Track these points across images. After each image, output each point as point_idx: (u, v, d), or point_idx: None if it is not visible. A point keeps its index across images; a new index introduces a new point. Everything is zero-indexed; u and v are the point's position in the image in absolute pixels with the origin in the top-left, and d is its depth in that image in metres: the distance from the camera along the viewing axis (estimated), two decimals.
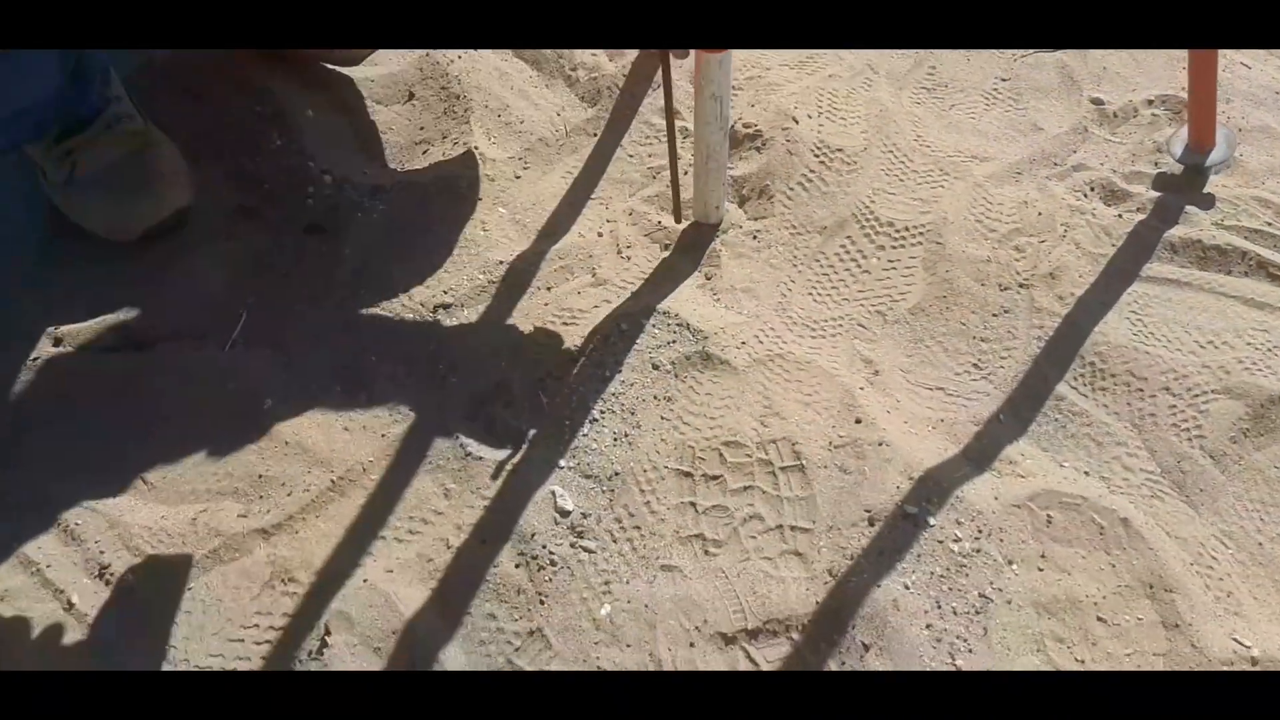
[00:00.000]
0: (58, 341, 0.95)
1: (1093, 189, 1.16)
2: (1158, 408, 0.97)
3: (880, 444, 0.91)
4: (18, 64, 0.86)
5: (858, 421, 0.93)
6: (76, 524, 0.84)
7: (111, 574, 0.81)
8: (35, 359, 0.94)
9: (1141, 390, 0.98)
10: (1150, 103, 1.27)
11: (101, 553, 0.83)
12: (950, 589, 0.83)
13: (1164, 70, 1.32)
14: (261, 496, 0.87)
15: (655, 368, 0.96)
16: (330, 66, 1.26)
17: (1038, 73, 1.31)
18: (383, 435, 0.91)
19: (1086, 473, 0.93)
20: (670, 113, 0.97)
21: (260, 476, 0.88)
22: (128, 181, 1.02)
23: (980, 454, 0.93)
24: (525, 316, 1.00)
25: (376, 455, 0.90)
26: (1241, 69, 1.32)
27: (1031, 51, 1.34)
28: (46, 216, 1.04)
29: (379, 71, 1.27)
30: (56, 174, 1.02)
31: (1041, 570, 0.85)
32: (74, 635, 0.78)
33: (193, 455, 0.89)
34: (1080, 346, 1.01)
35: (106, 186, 1.01)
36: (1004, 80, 1.30)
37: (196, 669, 0.76)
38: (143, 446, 0.90)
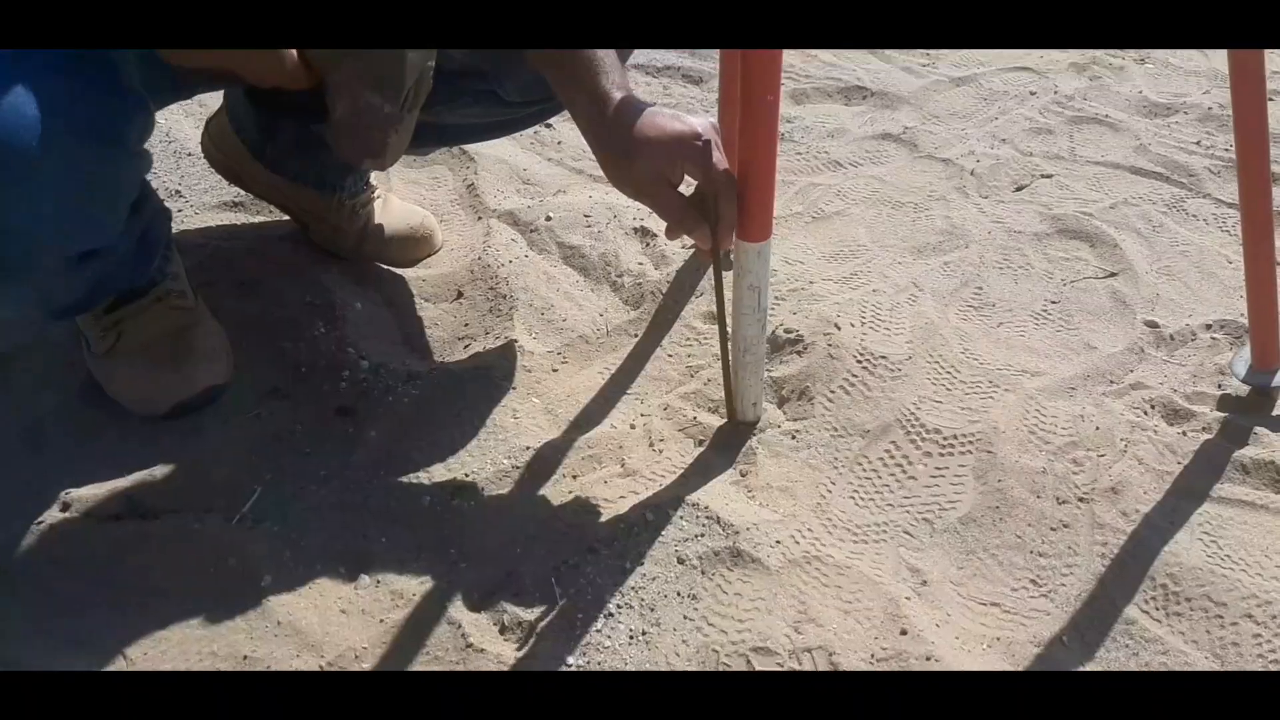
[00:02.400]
0: (65, 507, 0.92)
1: (1153, 407, 1.11)
2: (1241, 636, 0.87)
3: (929, 659, 0.82)
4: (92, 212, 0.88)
5: (903, 633, 0.84)
6: None
7: None
8: (40, 522, 0.91)
9: (1221, 617, 0.88)
10: (1208, 327, 1.23)
11: None
12: None
13: (1220, 297, 1.29)
14: None
15: (680, 562, 0.89)
16: (384, 266, 1.29)
17: (1088, 296, 1.29)
18: (381, 621, 0.84)
19: None
20: (721, 300, 0.96)
21: (245, 658, 0.81)
22: (164, 356, 1.02)
23: None
24: (546, 504, 0.95)
25: (371, 642, 0.83)
26: None
27: (1082, 277, 1.33)
28: (80, 386, 1.04)
29: (431, 272, 1.30)
30: (100, 344, 1.03)
31: None
32: None
33: (180, 631, 0.83)
34: (1150, 567, 0.93)
35: (143, 359, 1.02)
36: (1053, 303, 1.29)
37: None
38: (128, 619, 0.84)
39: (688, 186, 0.90)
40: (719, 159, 0.88)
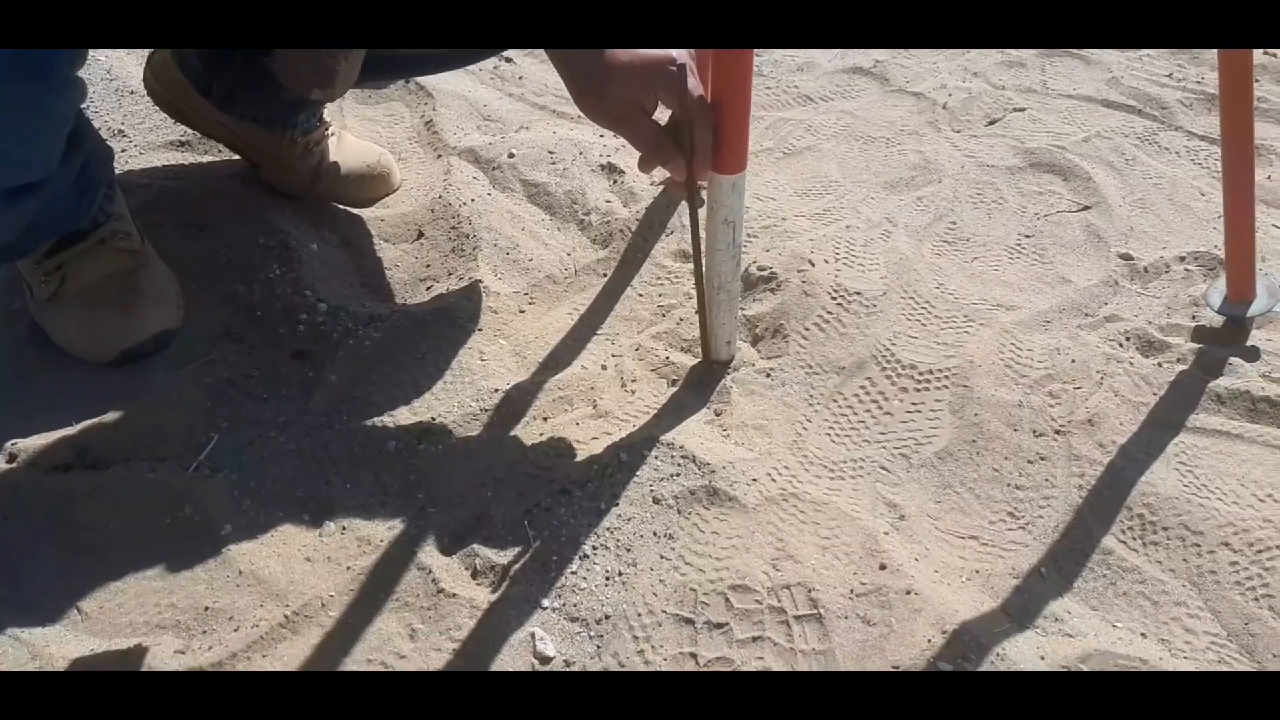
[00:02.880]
0: (12, 458, 0.88)
1: (1128, 339, 1.10)
2: (1218, 564, 0.86)
3: (909, 593, 0.81)
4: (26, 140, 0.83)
5: (882, 568, 0.83)
6: None
7: None
8: None
9: (1198, 546, 0.88)
10: (1182, 259, 1.22)
11: None
12: None
13: (1193, 229, 1.28)
14: (205, 631, 0.77)
15: (656, 502, 0.87)
16: (341, 206, 1.25)
17: (1062, 229, 1.28)
18: (348, 568, 0.82)
19: (1143, 634, 0.81)
20: (696, 235, 0.93)
21: (206, 609, 0.78)
22: (111, 300, 0.98)
23: (1021, 610, 0.82)
24: (517, 446, 0.92)
25: (338, 589, 0.80)
26: (1274, 230, 1.28)
27: (1055, 210, 1.31)
28: (24, 334, 0.99)
29: (390, 212, 1.25)
30: (42, 290, 0.98)
31: None
32: None
33: (136, 583, 0.80)
34: (1126, 497, 0.92)
35: (88, 304, 0.97)
36: (1027, 237, 1.27)
37: None
38: (82, 572, 0.81)
39: (661, 119, 0.87)
40: (694, 85, 0.85)
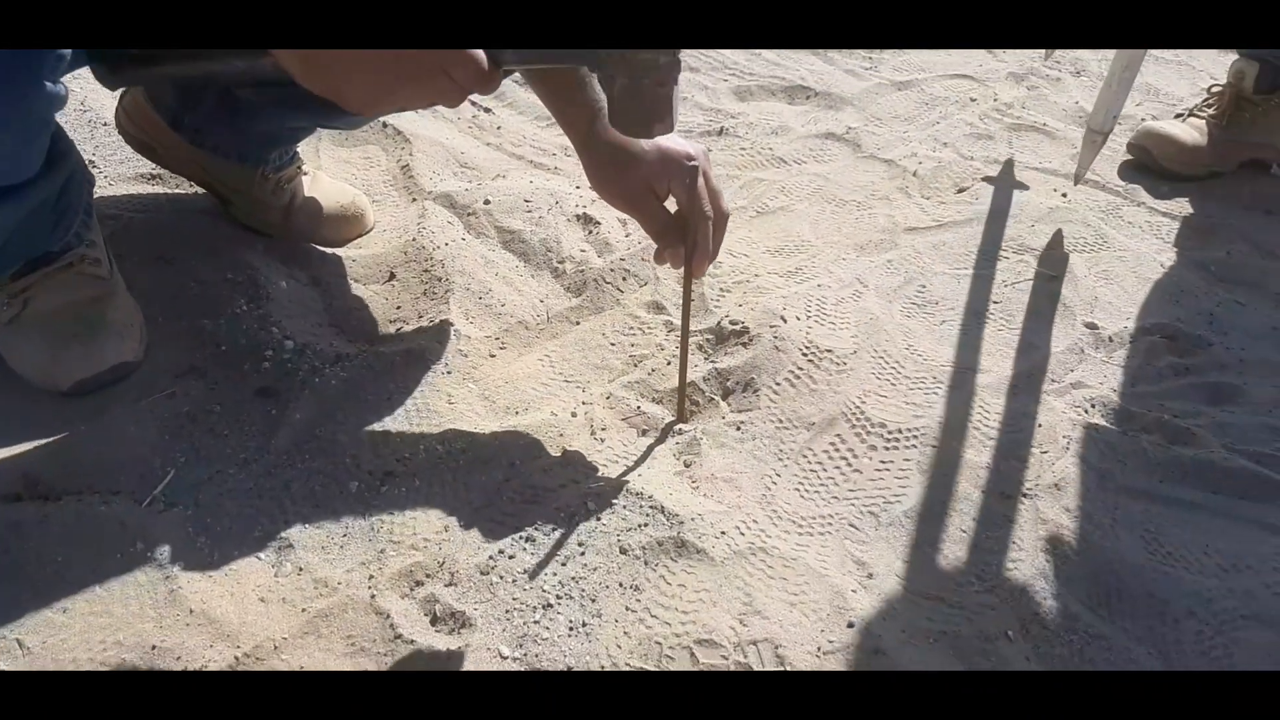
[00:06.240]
0: None
1: (1094, 406, 1.11)
2: (1183, 634, 0.86)
3: (876, 653, 0.80)
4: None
5: (850, 626, 0.82)
6: None
7: None
8: None
9: (1164, 614, 0.88)
10: (1146, 330, 1.24)
11: None
12: None
13: (1157, 302, 1.30)
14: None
15: (623, 552, 0.85)
16: (313, 245, 1.23)
17: (1030, 297, 1.30)
18: (303, 610, 0.79)
19: None
20: (686, 320, 0.95)
21: (154, 648, 0.75)
22: (71, 328, 0.95)
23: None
24: (482, 491, 0.91)
25: (292, 632, 0.77)
26: (1235, 305, 1.31)
27: (1023, 279, 1.33)
28: None
29: (362, 252, 1.24)
30: (3, 312, 0.96)
31: None
32: None
33: (82, 619, 0.77)
34: (1093, 564, 0.92)
35: (48, 330, 0.95)
36: (995, 302, 1.28)
37: None
38: (26, 605, 0.77)
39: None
40: (703, 186, 0.89)
